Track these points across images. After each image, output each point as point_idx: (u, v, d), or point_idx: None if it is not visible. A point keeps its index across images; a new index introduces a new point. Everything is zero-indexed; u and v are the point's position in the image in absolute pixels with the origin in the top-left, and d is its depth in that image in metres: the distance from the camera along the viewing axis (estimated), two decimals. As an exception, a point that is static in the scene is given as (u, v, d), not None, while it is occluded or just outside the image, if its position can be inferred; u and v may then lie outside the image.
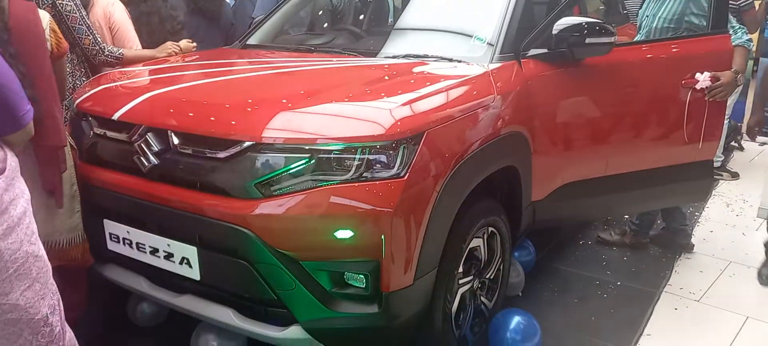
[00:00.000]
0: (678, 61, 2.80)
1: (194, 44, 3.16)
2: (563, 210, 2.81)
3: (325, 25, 3.63)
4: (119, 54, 2.83)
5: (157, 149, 2.04)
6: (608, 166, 2.80)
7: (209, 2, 3.66)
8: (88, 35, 2.72)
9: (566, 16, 2.56)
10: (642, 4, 3.25)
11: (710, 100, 2.73)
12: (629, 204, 3.16)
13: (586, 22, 2.48)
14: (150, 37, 3.15)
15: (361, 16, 3.69)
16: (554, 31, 2.48)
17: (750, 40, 2.86)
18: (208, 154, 1.94)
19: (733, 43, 2.86)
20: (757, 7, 4.84)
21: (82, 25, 2.69)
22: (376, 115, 1.94)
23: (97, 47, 2.75)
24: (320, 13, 3.68)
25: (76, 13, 2.67)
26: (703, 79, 2.67)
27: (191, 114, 2.06)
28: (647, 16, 3.14)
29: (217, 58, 2.86)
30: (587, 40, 2.45)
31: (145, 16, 3.19)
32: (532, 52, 2.53)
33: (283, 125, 1.92)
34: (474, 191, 2.17)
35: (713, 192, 4.37)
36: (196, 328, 2.28)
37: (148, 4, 3.21)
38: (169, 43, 3.08)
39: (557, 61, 2.55)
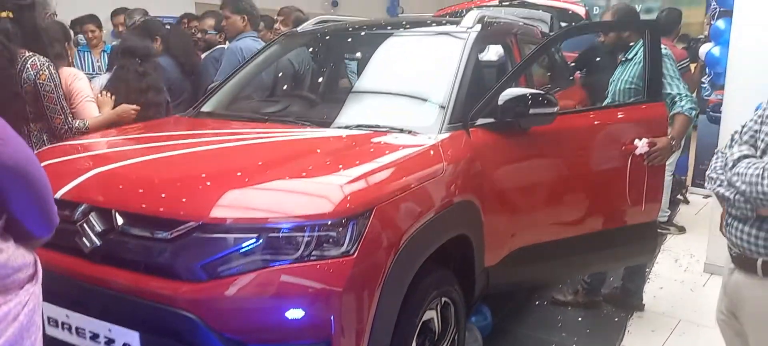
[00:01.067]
0: (618, 127, 2.93)
1: (135, 107, 3.19)
2: (517, 274, 2.84)
3: (285, 87, 3.67)
4: (85, 128, 2.91)
5: (100, 230, 1.98)
6: (558, 230, 2.86)
7: (194, 56, 3.84)
8: (60, 114, 2.79)
9: (512, 87, 2.65)
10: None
11: (649, 164, 2.85)
12: (580, 267, 3.22)
13: (530, 93, 2.58)
14: (127, 97, 3.23)
15: (319, 83, 3.74)
16: (500, 102, 2.57)
17: (693, 108, 3.01)
18: (153, 235, 1.89)
19: (675, 111, 3.02)
20: (693, 70, 5.15)
21: (56, 104, 2.77)
22: (325, 192, 1.94)
23: (67, 126, 2.82)
24: (281, 75, 3.72)
25: (53, 93, 2.74)
26: (642, 144, 2.80)
27: (136, 193, 2.02)
28: (613, 80, 3.32)
29: (166, 130, 2.83)
30: (531, 111, 2.54)
31: (122, 72, 3.32)
32: (480, 121, 2.60)
33: (231, 204, 1.90)
34: (426, 261, 2.18)
35: (662, 247, 4.51)
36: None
37: (121, 65, 3.35)
38: (125, 106, 3.13)
39: (504, 129, 2.63)
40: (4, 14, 2.61)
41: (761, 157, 1.69)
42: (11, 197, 1.28)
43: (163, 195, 1.98)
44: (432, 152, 2.35)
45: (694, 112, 3.01)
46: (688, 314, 3.43)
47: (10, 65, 2.58)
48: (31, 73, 2.67)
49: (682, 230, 4.92)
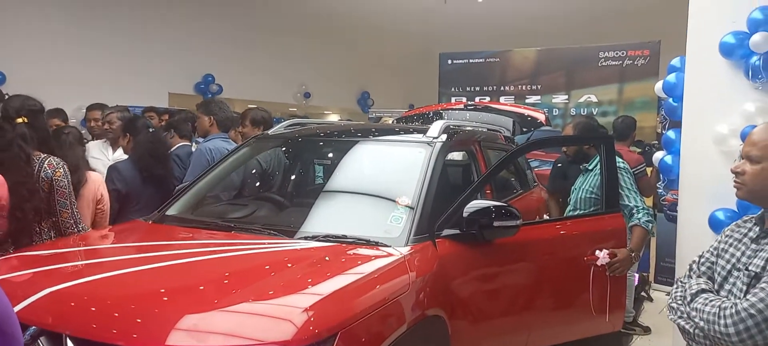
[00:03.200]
0: (579, 237, 3.00)
1: None
2: None
3: (253, 190, 3.66)
4: (84, 228, 3.05)
5: (48, 355, 1.87)
6: (525, 341, 2.84)
7: (159, 168, 3.82)
8: (68, 209, 2.96)
9: (476, 200, 2.71)
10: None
11: (611, 275, 2.90)
12: None
13: (494, 206, 2.63)
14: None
15: (287, 188, 3.75)
16: (464, 214, 2.61)
17: (649, 220, 3.12)
18: (105, 363, 1.80)
19: (632, 223, 3.11)
20: (649, 173, 5.36)
21: (66, 200, 2.96)
22: (288, 315, 1.89)
23: (72, 221, 2.97)
24: (249, 178, 3.72)
25: (65, 189, 2.96)
26: (603, 255, 2.87)
27: (88, 315, 1.93)
28: (575, 189, 3.43)
29: (127, 240, 2.76)
30: (495, 223, 2.59)
31: None
32: (445, 232, 2.63)
33: (190, 329, 1.83)
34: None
35: (629, 347, 4.50)
36: None
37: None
38: None
39: (469, 240, 2.66)
40: (20, 120, 2.88)
41: (718, 290, 1.73)
42: None
43: (117, 320, 1.90)
44: (399, 267, 2.35)
45: (650, 225, 3.11)
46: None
47: (27, 164, 2.82)
48: (49, 171, 2.91)
49: (647, 330, 4.93)
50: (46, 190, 2.90)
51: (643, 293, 5.69)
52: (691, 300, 1.73)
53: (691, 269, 1.86)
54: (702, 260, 1.84)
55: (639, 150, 5.94)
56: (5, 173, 2.66)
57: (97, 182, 3.40)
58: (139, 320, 1.88)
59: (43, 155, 2.94)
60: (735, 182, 1.78)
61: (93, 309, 1.96)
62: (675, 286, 1.88)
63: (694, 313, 1.71)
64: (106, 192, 3.45)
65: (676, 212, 4.27)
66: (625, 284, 3.03)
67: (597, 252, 2.87)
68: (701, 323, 1.68)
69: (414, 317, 2.26)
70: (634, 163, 3.92)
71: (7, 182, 2.63)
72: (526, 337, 2.84)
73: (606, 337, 3.04)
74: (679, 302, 1.82)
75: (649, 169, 5.10)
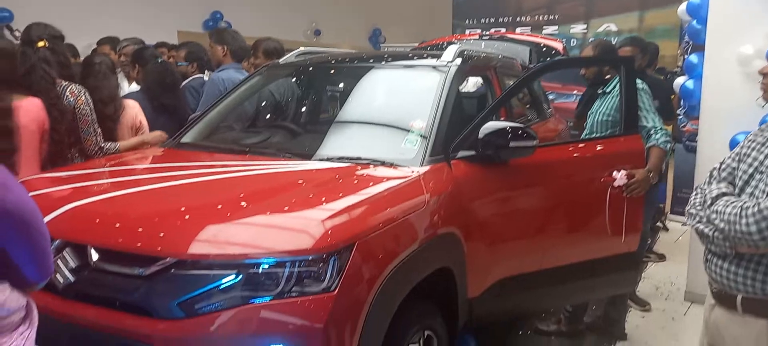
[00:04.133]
0: (597, 159, 2.97)
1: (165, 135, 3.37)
2: (500, 305, 2.83)
3: (266, 118, 3.65)
4: (116, 149, 3.13)
5: (74, 266, 1.93)
6: (540, 261, 2.87)
7: (169, 98, 3.83)
8: (92, 136, 3.02)
9: (492, 121, 2.68)
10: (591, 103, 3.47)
11: (628, 196, 2.88)
12: (562, 297, 3.22)
13: (510, 127, 2.60)
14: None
15: (301, 115, 3.74)
16: (480, 135, 2.59)
17: (668, 141, 3.06)
18: (129, 272, 1.86)
19: (650, 144, 3.07)
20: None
21: (89, 127, 3.01)
22: (306, 227, 1.92)
23: (97, 147, 3.04)
24: (261, 109, 3.71)
25: (88, 116, 3.01)
26: (620, 176, 2.84)
27: (112, 228, 1.98)
28: (592, 113, 3.37)
29: (145, 162, 2.80)
30: (511, 144, 2.57)
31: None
32: (461, 153, 2.62)
33: (210, 239, 1.87)
34: (408, 294, 2.16)
35: (643, 275, 4.54)
36: None
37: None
38: (158, 134, 3.33)
39: (485, 162, 2.65)
40: (41, 44, 2.93)
41: (739, 194, 1.71)
42: (10, 242, 1.36)
43: (139, 230, 1.95)
44: (414, 185, 2.35)
45: (668, 145, 3.06)
46: (669, 343, 3.44)
47: (53, 86, 2.87)
48: (71, 99, 2.94)
49: (662, 257, 4.97)
50: (70, 118, 2.93)
51: (658, 224, 5.70)
52: (712, 203, 1.72)
53: (711, 176, 1.84)
54: (723, 166, 1.82)
55: (661, 77, 5.81)
56: (36, 95, 2.77)
57: (134, 109, 3.41)
58: (161, 232, 1.92)
59: (64, 83, 2.95)
60: (762, 82, 1.73)
61: (115, 222, 2.00)
62: (694, 193, 1.87)
63: (714, 216, 1.70)
64: (145, 119, 3.45)
65: (695, 142, 4.21)
66: (643, 205, 3.01)
67: (614, 173, 2.84)
68: (721, 225, 1.67)
69: (429, 234, 2.28)
70: (655, 89, 3.83)
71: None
72: (540, 256, 2.86)
73: (621, 261, 3.05)
74: (698, 207, 1.81)
75: (672, 96, 5.00)
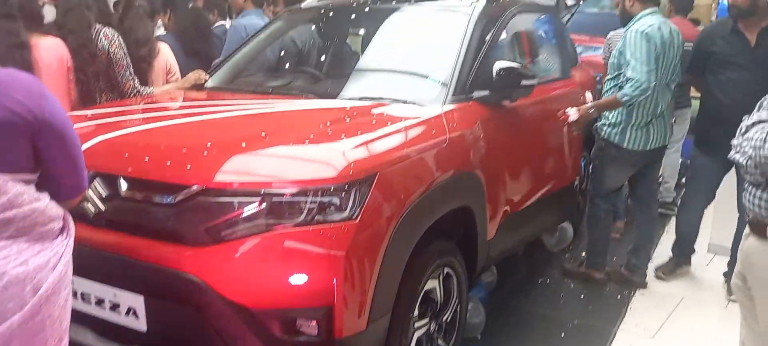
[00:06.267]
0: (559, 99, 3.25)
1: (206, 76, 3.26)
2: (506, 242, 2.89)
3: (288, 65, 3.66)
4: (151, 92, 3.13)
5: (104, 195, 1.99)
6: (531, 195, 3.02)
7: (202, 43, 3.87)
8: (130, 80, 3.02)
9: (499, 60, 2.66)
10: None
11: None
12: (540, 227, 3.42)
13: (519, 66, 2.62)
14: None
15: (323, 58, 3.73)
16: (493, 74, 2.57)
17: (625, 94, 2.95)
18: (157, 200, 1.91)
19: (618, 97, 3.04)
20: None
21: (126, 71, 3.01)
22: (328, 158, 1.95)
23: (136, 90, 3.05)
24: (283, 53, 3.72)
25: (123, 60, 3.01)
26: (573, 113, 3.06)
27: (141, 158, 2.03)
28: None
29: (171, 101, 2.84)
30: (523, 83, 2.56)
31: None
32: (477, 93, 2.61)
33: (236, 169, 1.91)
34: (428, 232, 2.18)
35: (666, 228, 4.50)
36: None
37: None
38: (199, 72, 3.22)
39: (498, 101, 2.68)
40: None
41: None
42: (49, 152, 1.44)
43: (167, 161, 1.99)
44: (436, 123, 2.36)
45: (625, 98, 2.97)
46: (690, 293, 3.43)
47: (88, 29, 2.92)
48: (105, 42, 2.95)
49: (686, 210, 4.89)
50: (102, 60, 2.94)
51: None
52: (746, 131, 1.69)
53: (759, 106, 1.79)
54: (765, 101, 1.78)
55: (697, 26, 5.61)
56: (68, 35, 2.84)
57: (166, 53, 3.41)
58: (188, 162, 1.97)
59: (99, 26, 2.98)
60: None
61: (144, 153, 2.05)
62: (738, 130, 1.83)
63: (745, 143, 1.67)
64: (175, 63, 3.46)
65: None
66: (581, 142, 3.43)
67: (568, 110, 3.05)
68: (750, 151, 1.64)
69: (448, 171, 2.29)
70: (691, 38, 3.68)
71: (70, 45, 2.83)
72: (536, 188, 3.05)
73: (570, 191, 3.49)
74: (739, 139, 1.77)
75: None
